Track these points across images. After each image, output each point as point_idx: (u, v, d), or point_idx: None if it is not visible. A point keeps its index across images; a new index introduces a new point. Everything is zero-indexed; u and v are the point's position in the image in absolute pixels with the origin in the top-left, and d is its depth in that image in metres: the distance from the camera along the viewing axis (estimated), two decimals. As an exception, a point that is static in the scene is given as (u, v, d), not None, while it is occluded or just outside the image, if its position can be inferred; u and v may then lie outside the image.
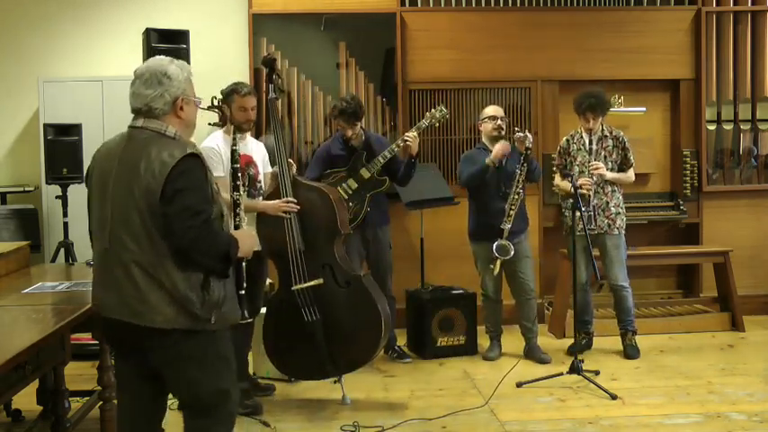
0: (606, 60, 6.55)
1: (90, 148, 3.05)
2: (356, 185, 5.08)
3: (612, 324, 5.71)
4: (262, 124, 6.02)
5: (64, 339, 3.24)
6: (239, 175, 3.90)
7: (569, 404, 4.56)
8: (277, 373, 4.77)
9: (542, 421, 4.29)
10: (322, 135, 6.26)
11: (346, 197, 5.00)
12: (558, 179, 5.65)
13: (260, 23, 6.26)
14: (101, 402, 3.73)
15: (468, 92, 6.46)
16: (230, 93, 4.45)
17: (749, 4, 6.71)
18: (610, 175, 5.43)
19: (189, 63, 4.29)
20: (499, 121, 5.43)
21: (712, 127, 6.67)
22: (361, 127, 5.24)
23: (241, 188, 3.94)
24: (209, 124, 4.12)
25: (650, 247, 6.56)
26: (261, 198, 4.52)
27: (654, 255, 6.44)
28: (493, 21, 6.48)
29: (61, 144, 5.63)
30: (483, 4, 6.48)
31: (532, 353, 5.46)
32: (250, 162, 4.50)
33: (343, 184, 5.07)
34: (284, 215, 4.39)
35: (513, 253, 5.23)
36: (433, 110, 5.01)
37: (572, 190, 5.04)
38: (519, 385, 4.82)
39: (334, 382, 4.70)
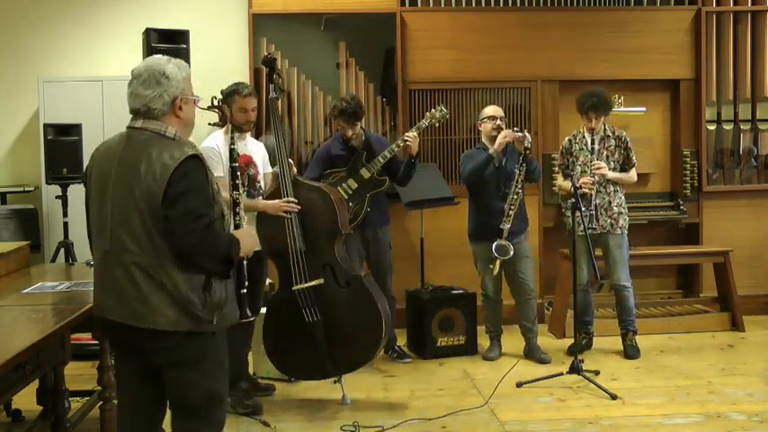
0: (606, 60, 6.55)
1: (90, 148, 3.03)
2: (356, 185, 5.07)
3: (612, 324, 5.71)
4: (262, 124, 6.02)
5: (64, 339, 3.24)
6: (238, 173, 3.90)
7: (569, 404, 4.57)
8: (277, 373, 4.77)
9: (542, 421, 4.29)
10: (322, 135, 6.26)
11: (346, 197, 5.00)
12: (560, 179, 5.64)
13: (260, 23, 6.26)
14: (101, 402, 3.72)
15: (468, 92, 6.45)
16: (231, 93, 4.44)
17: (749, 4, 6.70)
18: (612, 174, 5.43)
19: (189, 63, 4.31)
20: (498, 121, 5.42)
21: (712, 127, 6.66)
22: (361, 127, 5.23)
23: (240, 187, 3.94)
24: (210, 124, 4.12)
25: (650, 247, 6.56)
26: (261, 198, 4.52)
27: (654, 255, 6.44)
28: (493, 21, 6.48)
29: (61, 144, 5.63)
30: (483, 4, 6.48)
31: (532, 353, 5.46)
32: (250, 162, 4.49)
33: (344, 184, 5.06)
34: (285, 215, 4.39)
35: (512, 253, 5.23)
36: (432, 110, 5.00)
37: (572, 190, 5.05)
38: (519, 385, 4.83)
39: (335, 382, 4.70)
